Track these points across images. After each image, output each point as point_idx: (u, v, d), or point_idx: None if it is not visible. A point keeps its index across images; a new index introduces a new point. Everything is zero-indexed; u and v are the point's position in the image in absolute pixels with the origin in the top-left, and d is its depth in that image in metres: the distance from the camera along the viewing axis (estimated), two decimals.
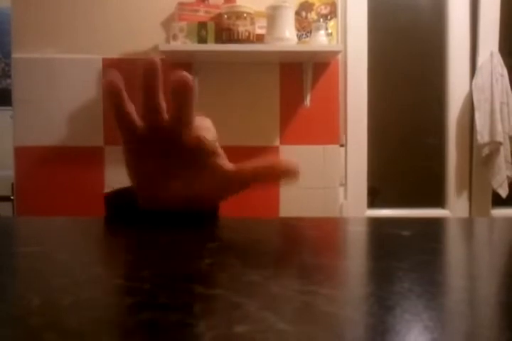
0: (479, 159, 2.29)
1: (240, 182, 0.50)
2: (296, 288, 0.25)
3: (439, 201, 2.41)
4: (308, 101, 2.22)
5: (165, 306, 0.22)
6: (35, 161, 2.18)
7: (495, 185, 2.22)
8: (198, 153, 0.49)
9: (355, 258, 0.36)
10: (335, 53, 2.12)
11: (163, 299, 0.23)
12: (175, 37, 1.99)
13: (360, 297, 0.25)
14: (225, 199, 0.52)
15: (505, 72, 2.25)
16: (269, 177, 0.49)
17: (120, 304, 0.22)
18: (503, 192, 2.21)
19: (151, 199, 0.50)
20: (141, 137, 0.47)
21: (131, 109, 0.47)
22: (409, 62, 2.47)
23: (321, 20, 2.14)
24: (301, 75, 2.21)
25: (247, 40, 2.00)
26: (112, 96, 0.46)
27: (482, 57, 2.29)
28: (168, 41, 2.07)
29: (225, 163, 0.50)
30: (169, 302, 0.23)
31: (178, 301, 0.23)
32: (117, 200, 0.53)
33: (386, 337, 0.19)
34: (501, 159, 2.21)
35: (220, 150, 0.50)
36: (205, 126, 0.49)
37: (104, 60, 2.18)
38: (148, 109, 0.47)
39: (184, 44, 1.99)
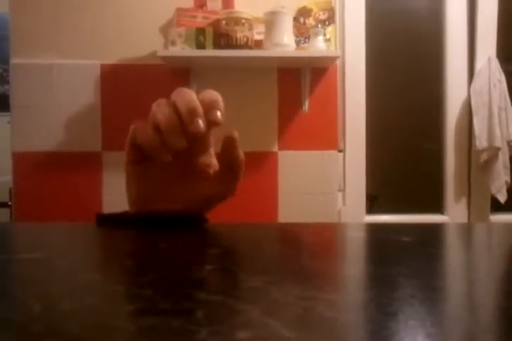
0: (478, 164, 2.29)
1: (222, 190, 0.53)
2: (297, 293, 0.25)
3: (437, 206, 2.41)
4: (306, 107, 2.22)
5: (166, 312, 0.22)
6: (33, 167, 2.17)
7: (493, 190, 2.22)
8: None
9: (355, 264, 0.35)
10: (333, 59, 2.13)
11: (165, 305, 0.23)
12: (173, 42, 1.99)
13: (361, 302, 0.25)
14: (214, 206, 0.54)
15: (502, 77, 2.26)
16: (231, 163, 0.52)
17: (121, 310, 0.22)
18: (502, 198, 2.21)
19: (148, 209, 0.51)
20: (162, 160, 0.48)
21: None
22: (407, 68, 2.47)
23: (319, 26, 2.15)
24: (300, 81, 2.21)
25: (246, 45, 2.01)
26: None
27: (480, 63, 2.30)
28: (166, 47, 2.08)
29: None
30: (170, 309, 0.22)
31: (180, 307, 0.23)
32: (109, 222, 0.51)
33: None
34: (500, 164, 2.21)
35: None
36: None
37: (102, 65, 2.18)
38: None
39: (182, 50, 2.00)
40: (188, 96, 0.47)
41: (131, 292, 0.25)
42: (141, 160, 0.51)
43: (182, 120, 0.45)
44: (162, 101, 0.48)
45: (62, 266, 0.32)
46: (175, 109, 0.46)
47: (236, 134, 0.51)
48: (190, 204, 0.52)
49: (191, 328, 0.20)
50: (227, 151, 0.51)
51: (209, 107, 0.47)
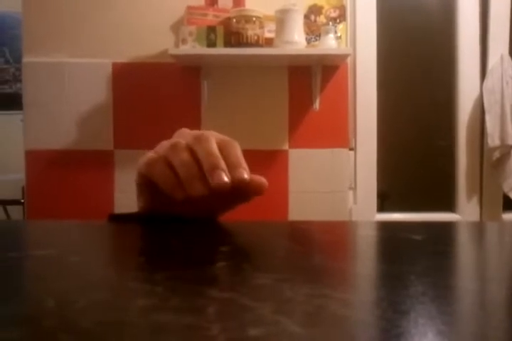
0: (490, 162, 2.27)
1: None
2: (308, 291, 0.25)
3: (449, 205, 2.39)
4: (317, 105, 2.21)
5: (178, 309, 0.22)
6: (45, 165, 2.19)
7: (506, 188, 2.20)
8: None
9: (366, 262, 0.35)
10: (344, 56, 2.12)
11: (176, 302, 0.23)
12: (184, 41, 2.00)
13: (373, 301, 0.25)
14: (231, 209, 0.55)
15: None
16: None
17: (133, 306, 0.22)
18: None
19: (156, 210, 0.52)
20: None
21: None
22: (418, 65, 2.46)
23: (330, 23, 2.14)
24: (310, 79, 2.21)
25: (256, 43, 2.00)
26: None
27: (492, 60, 2.28)
28: (177, 45, 2.08)
29: None
30: (182, 305, 0.23)
31: (191, 304, 0.23)
32: (119, 220, 0.52)
33: None
34: None
35: None
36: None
37: (113, 64, 2.19)
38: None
39: (193, 48, 2.00)
40: (210, 148, 0.45)
41: (143, 288, 0.26)
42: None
43: (202, 170, 0.44)
44: (177, 142, 0.46)
45: (75, 262, 0.32)
46: (194, 156, 0.45)
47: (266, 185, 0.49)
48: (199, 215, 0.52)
49: (202, 325, 0.20)
50: (251, 194, 0.50)
51: (234, 165, 0.45)
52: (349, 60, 2.21)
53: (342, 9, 2.17)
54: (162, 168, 0.46)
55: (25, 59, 2.19)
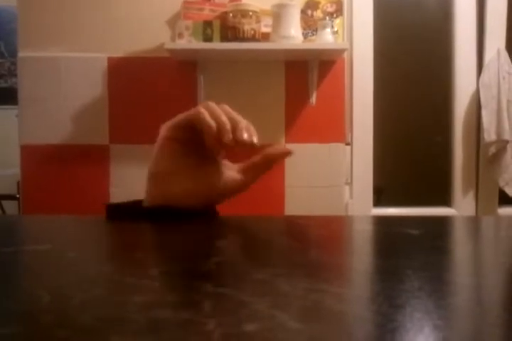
0: (486, 157, 2.28)
1: (242, 182, 0.56)
2: (305, 286, 0.25)
3: (445, 199, 2.40)
4: (313, 100, 2.21)
5: (174, 304, 0.22)
6: (41, 160, 2.18)
7: (501, 183, 2.21)
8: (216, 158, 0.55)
9: (363, 257, 0.35)
10: (341, 51, 2.11)
11: (173, 297, 0.23)
12: (180, 35, 1.99)
13: (369, 295, 0.25)
14: (227, 199, 0.56)
15: None
16: (267, 164, 0.57)
17: (130, 302, 0.22)
18: (510, 191, 2.20)
19: (161, 195, 0.52)
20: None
21: None
22: (415, 60, 2.46)
23: (327, 18, 2.14)
24: (307, 73, 2.21)
25: (253, 38, 2.00)
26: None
27: (489, 55, 2.28)
28: (173, 40, 2.07)
29: (228, 164, 0.57)
30: (178, 301, 0.23)
31: (187, 299, 0.23)
32: (118, 212, 0.53)
33: (396, 336, 0.19)
34: (508, 157, 2.20)
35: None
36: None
37: (109, 58, 2.18)
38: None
39: (190, 42, 1.99)
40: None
41: (140, 284, 0.26)
42: (182, 139, 0.53)
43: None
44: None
45: (71, 258, 0.32)
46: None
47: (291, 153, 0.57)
48: (205, 189, 0.53)
49: (199, 320, 0.20)
50: (274, 159, 0.57)
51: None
52: (346, 54, 2.20)
53: (339, 4, 2.16)
54: (211, 115, 0.53)
55: (21, 53, 2.18)
